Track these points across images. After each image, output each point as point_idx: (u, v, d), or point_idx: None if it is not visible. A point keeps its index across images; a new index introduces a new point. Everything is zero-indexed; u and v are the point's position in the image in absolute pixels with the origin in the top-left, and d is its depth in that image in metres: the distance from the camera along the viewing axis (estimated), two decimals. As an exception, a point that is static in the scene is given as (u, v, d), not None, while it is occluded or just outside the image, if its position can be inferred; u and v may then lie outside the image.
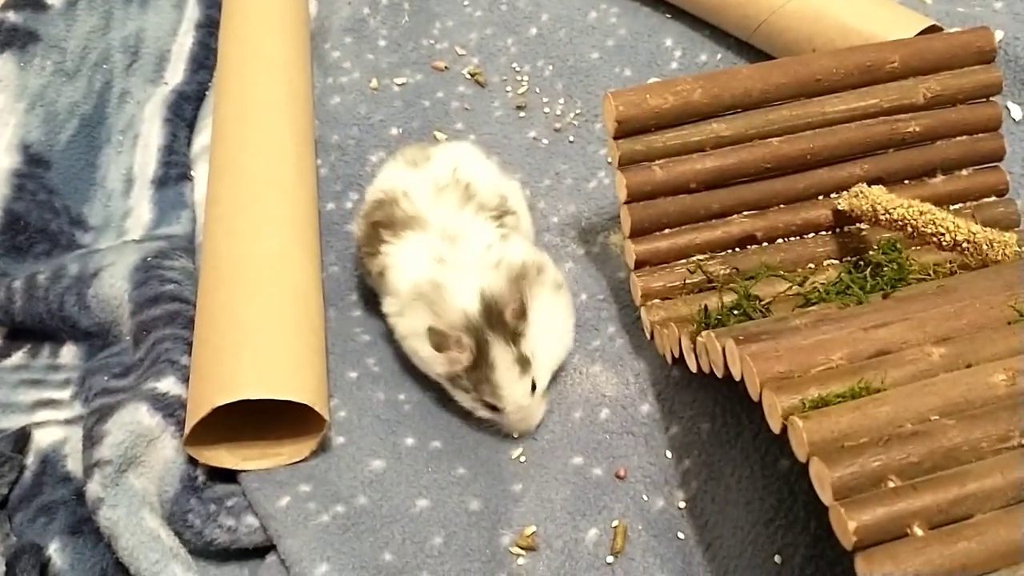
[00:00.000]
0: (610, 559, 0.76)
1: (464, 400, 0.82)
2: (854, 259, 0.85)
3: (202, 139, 1.12)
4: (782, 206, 0.86)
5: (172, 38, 1.19)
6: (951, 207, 0.87)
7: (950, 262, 0.77)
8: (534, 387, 0.81)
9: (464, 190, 0.85)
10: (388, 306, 0.84)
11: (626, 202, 0.84)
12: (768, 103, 0.84)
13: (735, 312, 0.75)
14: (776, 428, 0.60)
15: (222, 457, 0.78)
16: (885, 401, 0.58)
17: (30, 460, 0.82)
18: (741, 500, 0.77)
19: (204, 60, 1.18)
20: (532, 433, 0.83)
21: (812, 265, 0.85)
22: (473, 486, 0.80)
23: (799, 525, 0.74)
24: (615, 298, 0.93)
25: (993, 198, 0.88)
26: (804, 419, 0.57)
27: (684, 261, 0.85)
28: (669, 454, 0.81)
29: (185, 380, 0.81)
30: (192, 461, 0.79)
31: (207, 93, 1.17)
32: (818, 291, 0.75)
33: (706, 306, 0.76)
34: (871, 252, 0.82)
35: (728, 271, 0.84)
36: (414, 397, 0.86)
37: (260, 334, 0.78)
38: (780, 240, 0.86)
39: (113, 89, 1.15)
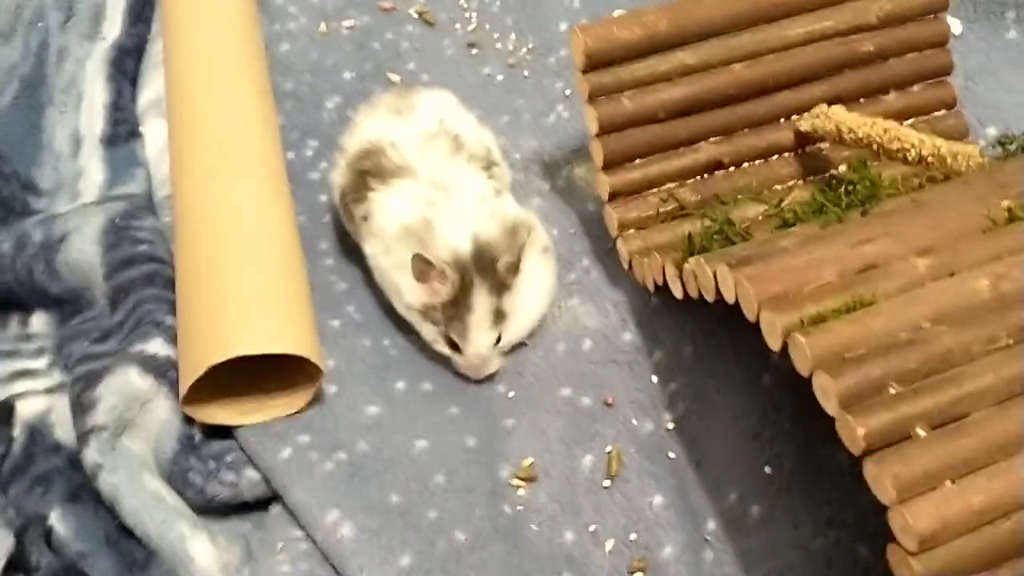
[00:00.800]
0: (607, 483, 0.79)
1: (428, 332, 0.83)
2: (818, 177, 0.88)
3: (148, 94, 1.09)
4: (746, 130, 0.88)
5: (106, -10, 1.16)
6: (905, 122, 0.90)
7: (916, 175, 0.80)
8: (498, 342, 0.82)
9: (453, 140, 0.85)
10: (371, 247, 0.84)
11: (597, 135, 0.85)
12: (730, 30, 0.86)
13: (716, 237, 0.77)
14: (776, 346, 0.62)
15: (217, 414, 0.78)
16: (879, 313, 0.61)
17: (16, 432, 0.81)
18: (727, 417, 0.80)
19: (141, 12, 1.14)
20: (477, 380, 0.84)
21: (779, 186, 0.88)
22: (468, 424, 0.82)
23: (784, 436, 0.78)
24: (586, 231, 0.94)
25: (943, 111, 0.92)
26: (805, 335, 0.60)
27: (655, 190, 0.87)
28: (655, 379, 0.83)
29: (172, 340, 0.80)
30: (187, 420, 0.79)
31: (147, 46, 1.13)
32: (795, 212, 0.78)
33: (690, 234, 0.78)
34: (841, 170, 0.85)
35: (699, 198, 0.87)
36: (399, 342, 0.87)
37: (247, 288, 0.78)
38: (746, 164, 0.88)
39: (50, 48, 1.11)
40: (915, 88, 0.91)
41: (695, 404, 0.81)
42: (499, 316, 0.80)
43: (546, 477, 0.79)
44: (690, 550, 0.75)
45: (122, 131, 1.05)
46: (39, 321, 0.91)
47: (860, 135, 0.80)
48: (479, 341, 0.80)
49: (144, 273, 0.84)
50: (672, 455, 0.80)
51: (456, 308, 0.78)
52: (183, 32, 0.98)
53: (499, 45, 1.10)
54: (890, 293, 0.63)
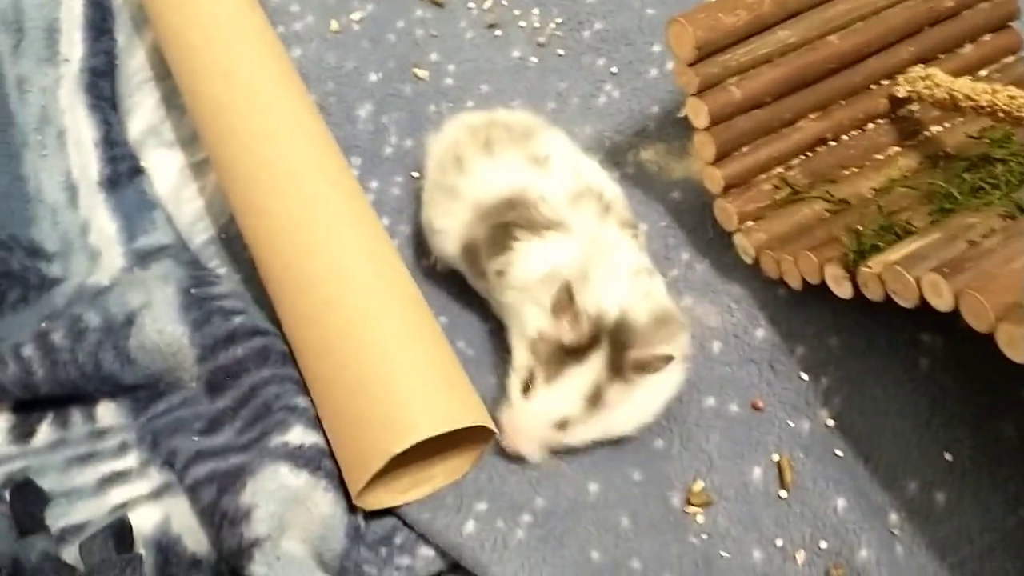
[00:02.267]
0: (783, 493, 0.77)
1: (519, 359, 0.74)
2: (916, 141, 0.86)
3: (139, 121, 0.97)
4: (842, 102, 0.85)
5: (56, 3, 1.00)
6: (979, 72, 0.89)
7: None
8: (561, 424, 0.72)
9: (599, 201, 0.77)
10: (509, 296, 0.76)
11: (706, 128, 0.81)
12: (823, 1, 0.82)
13: (883, 233, 0.74)
14: (1022, 358, 0.60)
15: (383, 498, 0.71)
16: (1120, 308, 0.60)
17: (143, 553, 0.71)
18: (893, 407, 0.78)
19: (102, 23, 1.00)
20: (509, 448, 0.73)
21: (879, 155, 0.86)
22: (624, 456, 0.78)
23: (956, 419, 0.77)
24: (678, 222, 0.90)
25: (1011, 58, 0.91)
26: (1066, 347, 0.58)
27: (765, 176, 0.84)
28: (804, 375, 0.81)
29: (313, 425, 0.72)
30: (350, 509, 0.71)
31: (117, 63, 1.00)
32: (951, 196, 0.75)
33: (858, 231, 0.75)
34: (936, 129, 0.85)
35: (809, 179, 0.84)
36: (524, 375, 0.81)
37: (403, 358, 0.70)
38: (845, 136, 0.86)
39: (7, 79, 0.95)
40: (986, 37, 0.89)
41: (854, 398, 0.79)
42: (594, 400, 0.72)
43: (720, 498, 0.76)
44: (884, 548, 0.75)
45: (123, 169, 0.92)
46: (108, 412, 0.80)
47: (982, 103, 0.78)
48: (547, 401, 0.71)
49: (252, 350, 0.74)
50: (839, 453, 0.78)
51: (562, 358, 0.71)
52: (204, 59, 0.85)
53: (522, 23, 1.02)
54: (1120, 285, 0.62)
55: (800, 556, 0.75)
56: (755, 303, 0.84)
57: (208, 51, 0.86)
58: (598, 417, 0.73)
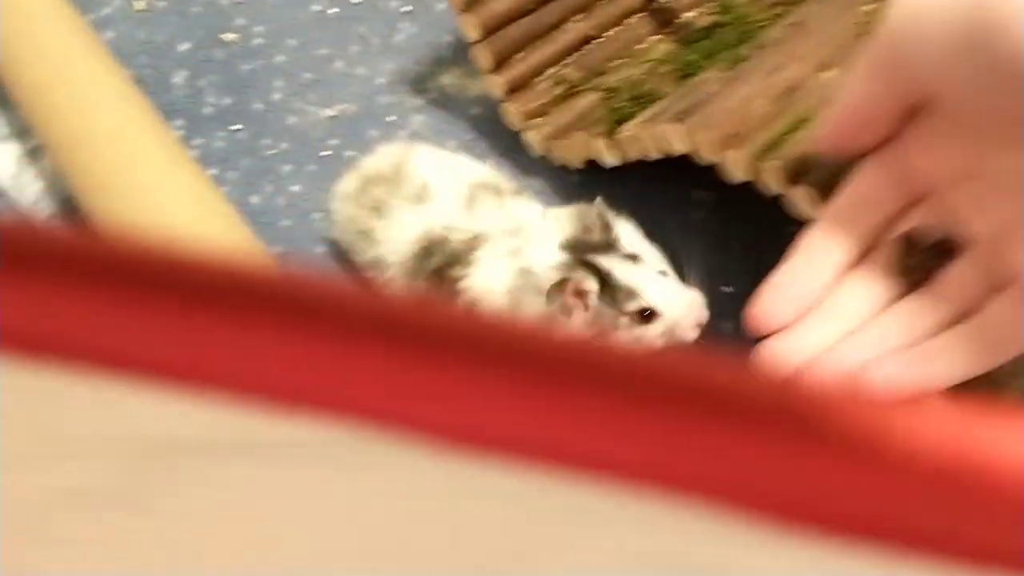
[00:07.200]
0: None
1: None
2: (672, 27, 0.97)
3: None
4: (602, 2, 0.96)
5: None
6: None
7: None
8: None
9: (488, 187, 0.82)
10: None
11: (479, 41, 0.91)
12: (570, -96, 0.93)
13: (634, 103, 0.85)
14: (742, 177, 0.72)
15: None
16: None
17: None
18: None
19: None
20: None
21: (641, 45, 0.97)
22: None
23: (734, 261, 0.89)
24: (480, 133, 0.99)
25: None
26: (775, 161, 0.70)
27: (542, 77, 0.94)
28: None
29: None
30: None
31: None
32: (692, 61, 0.87)
33: (614, 108, 0.86)
34: (690, 16, 0.96)
35: (583, 73, 0.94)
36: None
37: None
38: (609, 32, 0.97)
39: None
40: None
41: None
42: (635, 259, 0.76)
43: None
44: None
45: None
46: None
47: (719, -19, 0.90)
48: (658, 287, 0.74)
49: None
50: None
51: (608, 290, 0.73)
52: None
53: (317, -20, 1.10)
54: (816, 107, 0.74)
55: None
56: (556, 194, 0.94)
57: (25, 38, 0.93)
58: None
